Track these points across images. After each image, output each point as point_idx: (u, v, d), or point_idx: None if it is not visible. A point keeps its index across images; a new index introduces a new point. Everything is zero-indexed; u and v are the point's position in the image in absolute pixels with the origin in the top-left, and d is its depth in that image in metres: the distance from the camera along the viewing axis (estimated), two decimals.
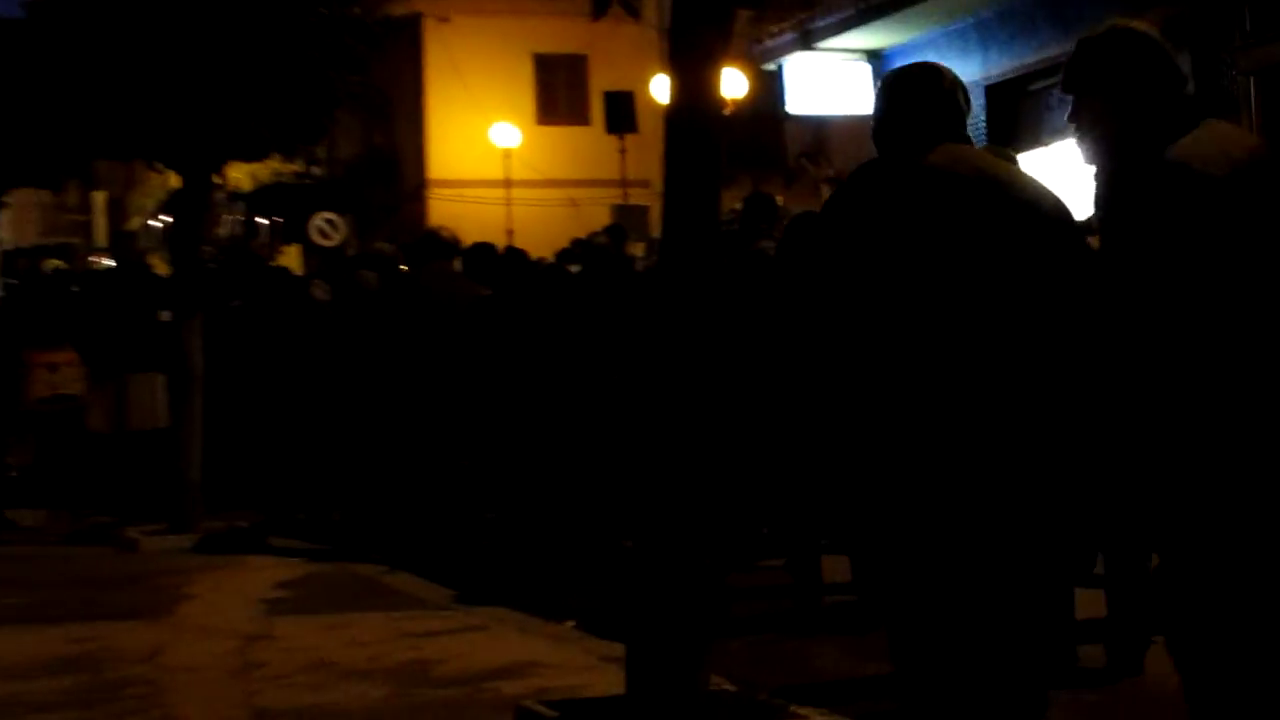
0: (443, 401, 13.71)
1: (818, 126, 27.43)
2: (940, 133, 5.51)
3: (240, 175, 38.65)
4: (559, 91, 42.83)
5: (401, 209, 41.63)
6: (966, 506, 5.19)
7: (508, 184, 38.53)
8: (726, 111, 7.89)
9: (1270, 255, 5.25)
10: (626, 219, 26.60)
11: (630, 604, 7.68)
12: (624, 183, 33.99)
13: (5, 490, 16.92)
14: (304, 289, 17.64)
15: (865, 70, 27.19)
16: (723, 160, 7.54)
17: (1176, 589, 5.34)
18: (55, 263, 20.71)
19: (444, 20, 41.23)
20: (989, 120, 23.70)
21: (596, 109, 37.60)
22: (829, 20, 26.58)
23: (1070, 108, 5.54)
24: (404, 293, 14.59)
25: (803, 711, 6.37)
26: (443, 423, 13.82)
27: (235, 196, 43.16)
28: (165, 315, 16.36)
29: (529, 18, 34.18)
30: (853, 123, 26.97)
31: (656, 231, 10.67)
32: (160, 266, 21.43)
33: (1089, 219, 5.68)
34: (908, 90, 5.66)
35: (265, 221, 43.84)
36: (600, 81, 38.40)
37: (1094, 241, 5.52)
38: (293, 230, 41.22)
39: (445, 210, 39.02)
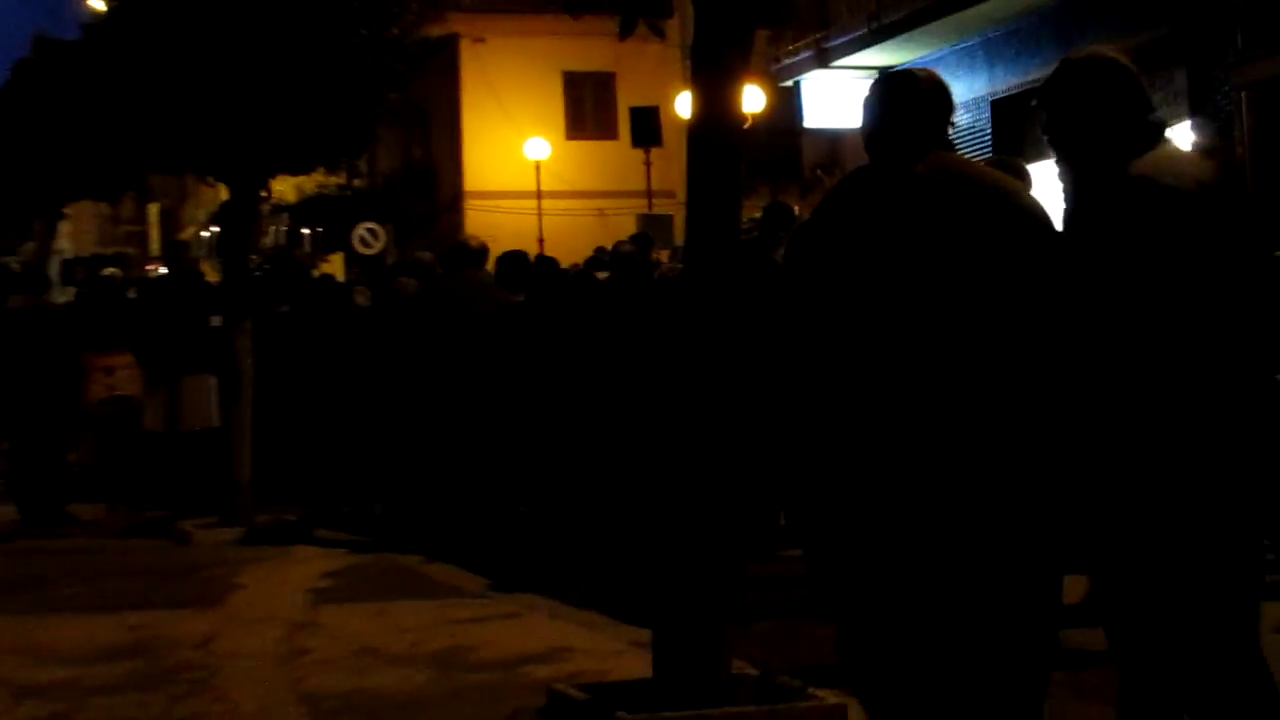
0: (476, 401, 13.71)
1: (832, 140, 27.43)
2: (924, 138, 5.50)
3: (286, 188, 38.71)
4: (587, 107, 42.84)
5: (439, 219, 41.64)
6: (943, 501, 5.17)
7: (539, 195, 38.53)
8: (746, 126, 7.88)
9: (1232, 268, 5.34)
10: (652, 228, 26.55)
11: (656, 592, 7.69)
12: (649, 193, 33.96)
13: (66, 486, 16.94)
14: (347, 295, 17.65)
15: None
16: (742, 171, 7.55)
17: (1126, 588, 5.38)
18: (113, 271, 20.74)
19: (479, 41, 41.26)
20: (995, 133, 23.70)
21: (623, 124, 37.59)
22: (843, 39, 26.60)
23: (1045, 121, 5.62)
24: (438, 299, 14.58)
25: (819, 693, 6.36)
26: (476, 421, 13.83)
27: (279, 208, 43.24)
28: (216, 320, 16.37)
29: (559, 38, 34.03)
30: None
31: (680, 239, 10.67)
32: (211, 274, 21.48)
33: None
34: (887, 99, 5.67)
35: (307, 231, 43.88)
36: (627, 98, 38.39)
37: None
38: (335, 239, 41.28)
39: (480, 220, 39.03)
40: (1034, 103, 5.76)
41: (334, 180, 41.88)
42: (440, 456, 13.98)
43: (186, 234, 60.00)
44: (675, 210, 28.50)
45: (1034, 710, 5.28)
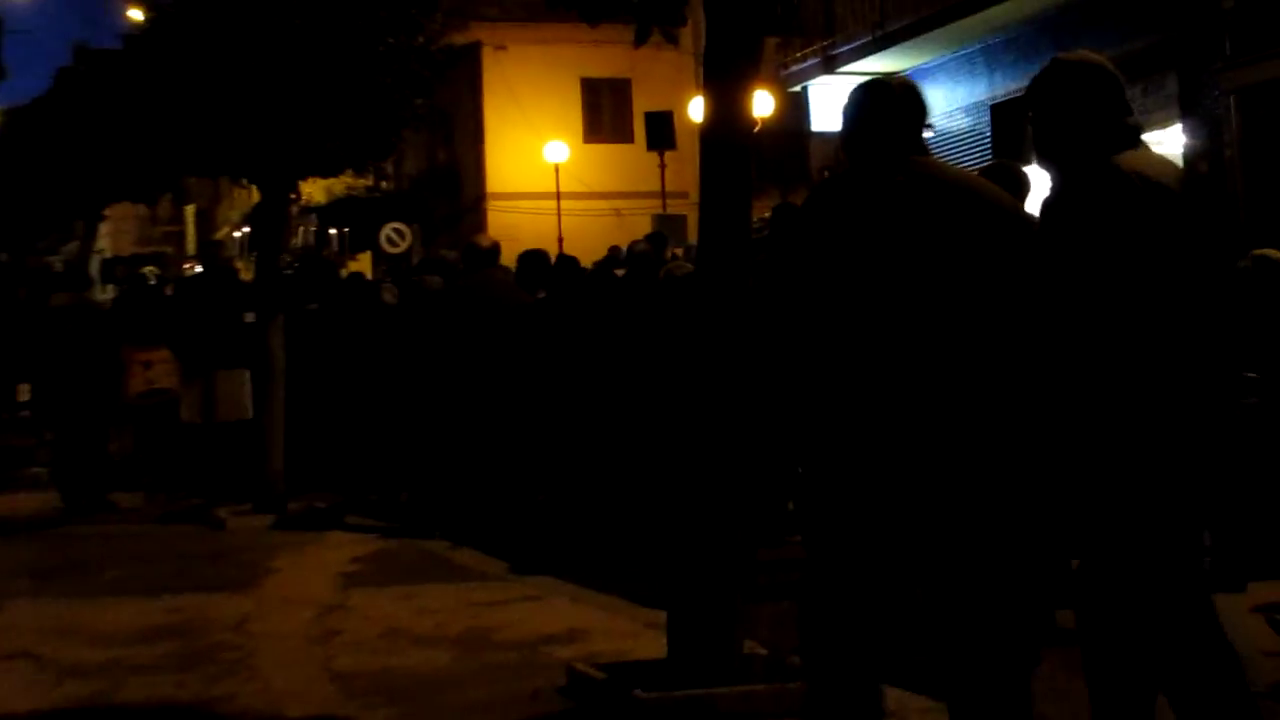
0: (498, 394, 13.72)
1: (838, 143, 27.41)
2: (899, 143, 5.49)
3: (316, 190, 38.72)
4: (604, 112, 42.81)
5: (462, 219, 41.64)
6: (915, 483, 5.17)
7: (558, 196, 38.51)
8: (756, 129, 7.89)
9: (1209, 266, 5.41)
10: (666, 227, 26.55)
11: (671, 577, 7.70)
12: (663, 194, 33.93)
13: (107, 475, 16.97)
14: (375, 292, 17.66)
15: None
16: (752, 173, 7.56)
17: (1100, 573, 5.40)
18: (151, 269, 20.77)
19: (501, 48, 41.27)
20: (994, 136, 23.66)
21: (638, 128, 37.54)
22: (849, 47, 26.57)
23: (1031, 117, 5.65)
24: (458, 296, 14.59)
25: None
26: (498, 413, 13.83)
27: (308, 209, 43.25)
28: (250, 316, 16.38)
29: (577, 45, 34.05)
30: None
31: (694, 238, 10.67)
32: (245, 272, 21.50)
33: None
34: (864, 106, 5.67)
35: (334, 232, 43.90)
36: (642, 103, 38.36)
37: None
38: (363, 239, 41.29)
39: (501, 220, 39.05)
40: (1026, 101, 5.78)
41: (362, 182, 41.87)
42: (463, 447, 13.98)
43: (221, 234, 60.12)
44: (689, 210, 28.49)
45: (1017, 684, 5.24)
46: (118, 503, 16.61)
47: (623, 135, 41.29)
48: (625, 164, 39.41)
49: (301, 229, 43.72)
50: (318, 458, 16.79)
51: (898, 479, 5.16)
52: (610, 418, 13.11)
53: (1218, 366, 5.40)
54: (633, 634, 9.14)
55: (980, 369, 5.16)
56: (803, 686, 5.60)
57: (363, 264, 39.86)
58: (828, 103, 27.09)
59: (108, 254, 47.55)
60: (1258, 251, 11.66)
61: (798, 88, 27.97)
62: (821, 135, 27.28)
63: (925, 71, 26.03)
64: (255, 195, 17.55)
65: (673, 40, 8.15)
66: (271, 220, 17.32)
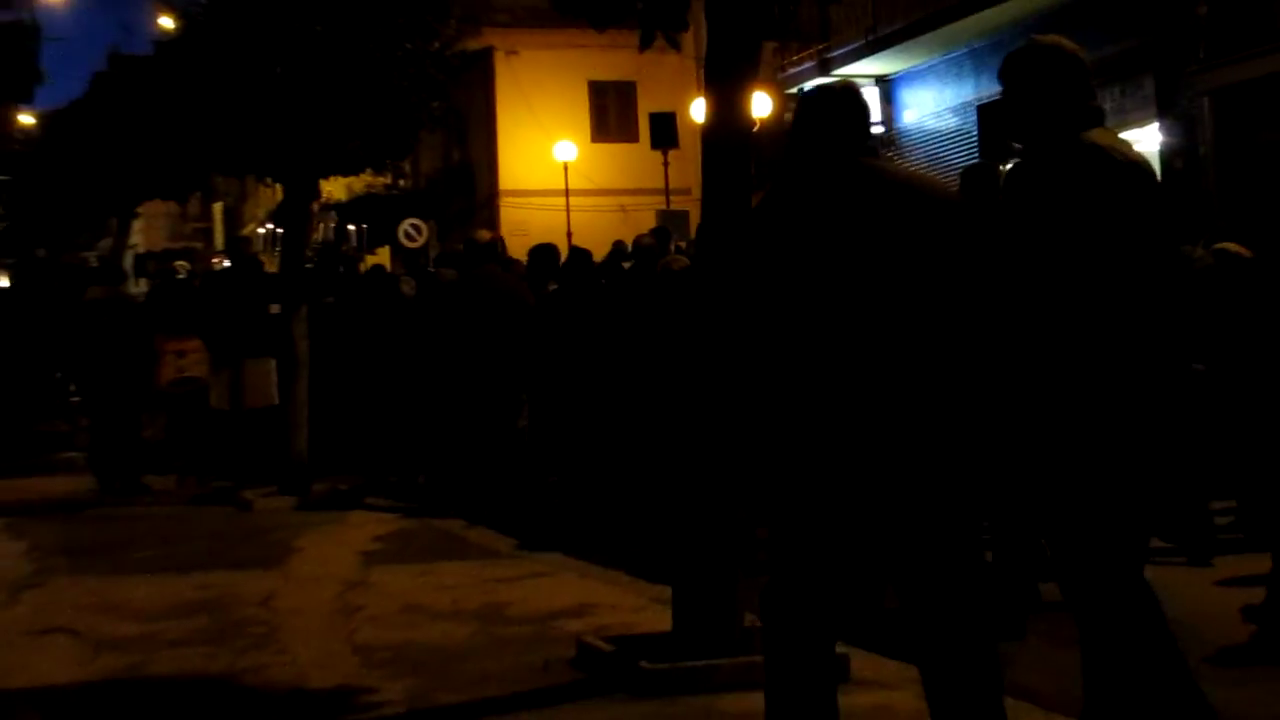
0: (512, 380, 13.71)
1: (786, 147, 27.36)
2: (845, 144, 5.46)
3: (337, 188, 38.68)
4: (611, 113, 42.77)
5: (476, 215, 41.60)
6: (880, 472, 5.15)
7: (567, 193, 38.46)
8: (754, 129, 7.88)
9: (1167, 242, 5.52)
10: (670, 222, 26.52)
11: (675, 554, 7.70)
12: (667, 191, 33.87)
13: (141, 459, 16.98)
14: (393, 285, 17.65)
15: (874, 93, 27.16)
16: (751, 170, 7.55)
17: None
18: (181, 264, 20.76)
19: (512, 53, 41.24)
20: (981, 135, 23.64)
21: (643, 128, 37.45)
22: (843, 50, 26.60)
23: (1003, 94, 5.70)
24: (458, 289, 14.60)
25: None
26: (512, 399, 13.83)
27: (328, 206, 43.23)
28: (275, 308, 16.39)
29: (585, 50, 33.95)
30: None
31: (696, 233, 10.66)
32: (270, 266, 21.48)
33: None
34: (810, 111, 5.64)
35: (353, 227, 43.88)
36: (646, 104, 38.27)
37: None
38: (382, 234, 41.24)
39: (513, 216, 39.07)
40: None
41: (381, 180, 41.91)
42: (478, 431, 13.98)
43: (247, 230, 60.03)
44: (691, 206, 28.46)
45: (984, 653, 5.21)
46: (150, 485, 16.63)
47: (628, 135, 41.23)
48: (630, 162, 39.38)
49: (322, 225, 43.68)
50: (340, 442, 16.82)
51: (855, 460, 5.13)
52: (616, 403, 13.11)
53: (1173, 343, 5.42)
54: (639, 608, 9.14)
55: (930, 358, 5.11)
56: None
57: (381, 258, 39.83)
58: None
59: (140, 249, 47.55)
60: (1219, 245, 11.66)
61: (794, 89, 27.93)
62: None
63: (915, 74, 26.05)
64: (280, 193, 17.55)
65: (675, 45, 8.14)
66: (295, 216, 17.32)
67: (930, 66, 25.54)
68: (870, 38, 25.67)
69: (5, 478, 18.49)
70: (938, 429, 5.10)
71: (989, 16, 22.43)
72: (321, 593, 10.30)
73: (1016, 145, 5.73)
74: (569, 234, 32.98)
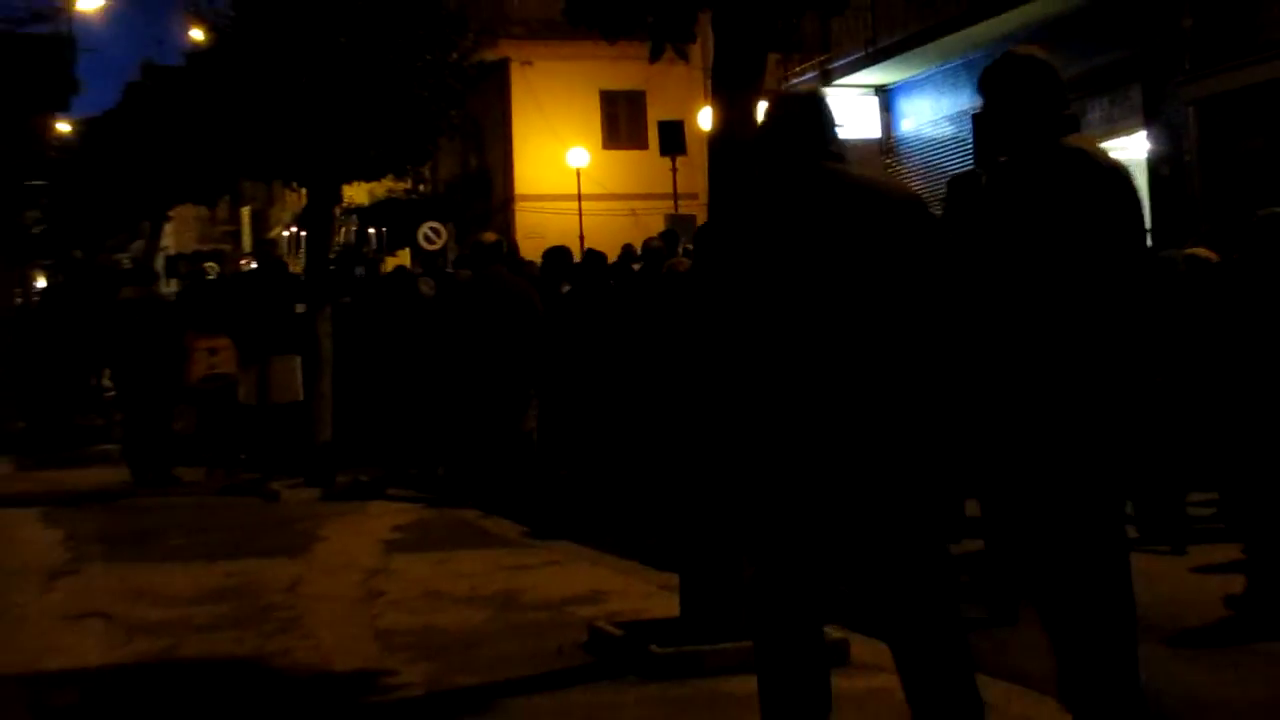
0: (517, 377, 13.72)
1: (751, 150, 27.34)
2: (808, 147, 5.43)
3: (359, 192, 38.70)
4: (621, 121, 42.73)
5: (493, 218, 41.58)
6: (849, 466, 5.14)
7: (579, 198, 38.45)
8: None
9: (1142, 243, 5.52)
10: (678, 226, 26.49)
11: (683, 543, 7.70)
12: (675, 196, 33.84)
13: (172, 452, 17.00)
14: (413, 285, 17.67)
15: (874, 102, 27.17)
16: None
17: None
18: (211, 265, 20.78)
19: (527, 64, 41.20)
20: (976, 142, 23.60)
21: (653, 135, 37.43)
22: (844, 61, 26.58)
23: (982, 107, 5.67)
24: (466, 289, 14.62)
25: (824, 628, 6.35)
26: (518, 395, 13.83)
27: (349, 210, 43.24)
28: (300, 307, 16.41)
29: (597, 61, 33.86)
30: (863, 145, 26.94)
31: None
32: (295, 267, 21.50)
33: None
34: (776, 115, 5.64)
35: (373, 231, 43.90)
36: (656, 112, 38.24)
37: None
38: (403, 237, 41.23)
39: (528, 220, 39.06)
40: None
41: (401, 185, 41.86)
42: (486, 426, 13.99)
43: (273, 233, 60.19)
44: (699, 211, 28.47)
45: (949, 635, 5.21)
46: (181, 477, 16.64)
47: (638, 142, 41.20)
48: (640, 168, 39.36)
49: (343, 228, 43.70)
50: (362, 435, 16.83)
51: (818, 453, 5.11)
52: (625, 399, 13.11)
53: (1146, 344, 5.43)
54: (648, 595, 9.14)
55: (888, 354, 5.08)
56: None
57: (402, 259, 39.84)
58: None
59: (172, 251, 47.62)
60: (1188, 250, 11.69)
61: None
62: None
63: (913, 84, 26.03)
64: (304, 198, 17.57)
65: (684, 56, 8.14)
66: (318, 220, 17.35)
67: (927, 77, 25.51)
68: (870, 49, 25.65)
69: (44, 469, 18.56)
70: (895, 422, 5.08)
71: (983, 29, 22.41)
72: (345, 579, 10.31)
73: (997, 153, 5.72)
74: (581, 237, 33.03)
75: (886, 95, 27.08)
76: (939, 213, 5.90)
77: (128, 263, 29.22)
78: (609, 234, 30.40)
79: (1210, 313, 9.81)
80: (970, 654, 5.21)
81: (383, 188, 38.15)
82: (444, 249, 35.80)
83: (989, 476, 5.60)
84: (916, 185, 24.13)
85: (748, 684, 5.30)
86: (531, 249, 17.45)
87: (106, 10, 34.43)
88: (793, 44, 25.31)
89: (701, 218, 12.04)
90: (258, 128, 16.35)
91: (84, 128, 38.96)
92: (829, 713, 5.20)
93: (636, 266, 15.67)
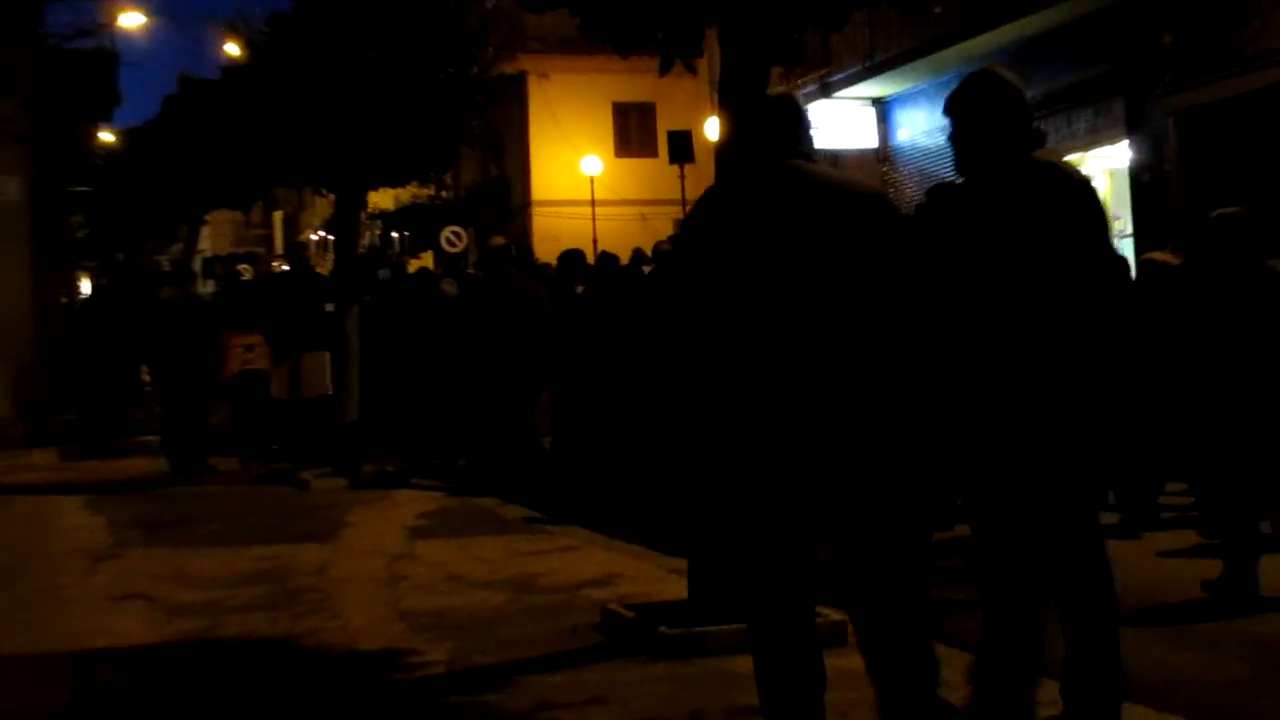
0: (525, 372, 13.71)
1: (834, 158, 27.36)
2: (779, 148, 5.39)
3: (385, 198, 38.72)
4: (633, 131, 42.74)
5: (511, 222, 41.61)
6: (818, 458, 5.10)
7: (593, 203, 38.50)
8: None
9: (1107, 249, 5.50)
10: None
11: (689, 530, 7.70)
12: (684, 202, 33.79)
13: (208, 443, 17.02)
14: (435, 285, 17.67)
15: (871, 113, 27.14)
16: None
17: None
18: (245, 267, 20.78)
19: (544, 77, 41.24)
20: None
21: (662, 144, 37.39)
22: (843, 74, 26.55)
23: (950, 126, 5.68)
24: (478, 290, 14.63)
25: (824, 610, 6.36)
26: (526, 389, 13.82)
27: (374, 215, 43.27)
28: (329, 307, 16.42)
29: (610, 74, 33.87)
30: (861, 154, 26.94)
31: None
32: (323, 269, 21.50)
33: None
34: (747, 117, 5.62)
35: (396, 234, 43.95)
36: (665, 123, 38.23)
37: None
38: (426, 240, 41.26)
39: (544, 224, 39.11)
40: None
41: (425, 191, 41.94)
42: (496, 418, 13.99)
43: (304, 237, 60.13)
44: None
45: (914, 613, 5.24)
46: (217, 467, 16.66)
47: (648, 151, 41.19)
48: (650, 176, 39.36)
49: (368, 232, 43.72)
50: (388, 428, 16.85)
51: (782, 440, 5.10)
52: (634, 393, 13.11)
53: (1125, 346, 5.44)
54: (658, 579, 9.13)
55: (850, 344, 5.04)
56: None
57: (425, 262, 39.88)
58: (825, 123, 27.01)
59: (208, 253, 47.66)
60: (1146, 255, 11.71)
61: None
62: (819, 152, 27.20)
63: (908, 96, 25.99)
64: (333, 204, 17.60)
65: (692, 70, 8.14)
66: (346, 224, 17.36)
67: (922, 89, 25.45)
68: (868, 63, 25.62)
69: (88, 459, 18.59)
70: (855, 408, 5.06)
71: (974, 45, 22.37)
72: (370, 563, 10.31)
73: (966, 169, 5.69)
74: (594, 240, 33.05)
75: (883, 106, 27.04)
76: (916, 216, 5.89)
77: (167, 264, 29.27)
78: (621, 238, 30.40)
79: (1170, 312, 9.84)
80: (928, 640, 5.22)
81: (407, 193, 38.25)
82: (465, 251, 35.83)
83: (965, 466, 5.59)
84: (911, 192, 24.15)
85: (751, 663, 5.29)
86: (547, 252, 17.48)
87: (147, 27, 34.42)
88: (795, 58, 25.29)
89: None
90: (290, 137, 16.37)
91: (126, 137, 39.00)
92: (824, 690, 5.19)
93: (647, 268, 15.66)
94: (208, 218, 41.92)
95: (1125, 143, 20.84)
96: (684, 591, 7.67)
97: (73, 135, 27.75)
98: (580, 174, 40.19)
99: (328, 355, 16.43)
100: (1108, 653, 5.30)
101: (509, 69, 36.85)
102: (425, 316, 16.33)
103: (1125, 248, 19.00)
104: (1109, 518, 11.56)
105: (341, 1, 16.63)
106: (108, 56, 25.65)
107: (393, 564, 10.28)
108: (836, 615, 6.80)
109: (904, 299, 5.15)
